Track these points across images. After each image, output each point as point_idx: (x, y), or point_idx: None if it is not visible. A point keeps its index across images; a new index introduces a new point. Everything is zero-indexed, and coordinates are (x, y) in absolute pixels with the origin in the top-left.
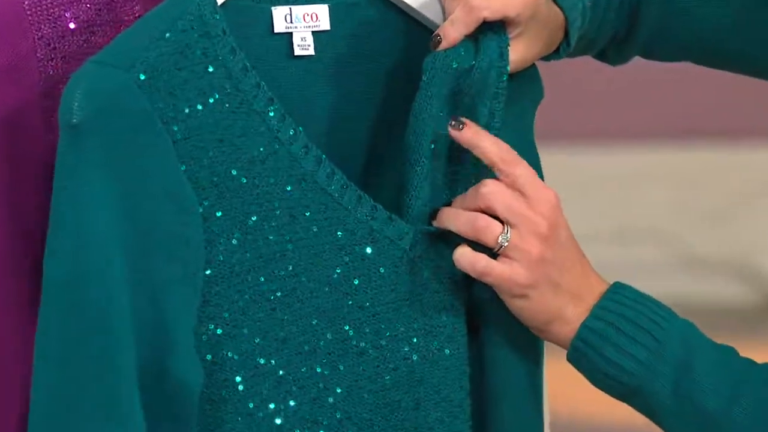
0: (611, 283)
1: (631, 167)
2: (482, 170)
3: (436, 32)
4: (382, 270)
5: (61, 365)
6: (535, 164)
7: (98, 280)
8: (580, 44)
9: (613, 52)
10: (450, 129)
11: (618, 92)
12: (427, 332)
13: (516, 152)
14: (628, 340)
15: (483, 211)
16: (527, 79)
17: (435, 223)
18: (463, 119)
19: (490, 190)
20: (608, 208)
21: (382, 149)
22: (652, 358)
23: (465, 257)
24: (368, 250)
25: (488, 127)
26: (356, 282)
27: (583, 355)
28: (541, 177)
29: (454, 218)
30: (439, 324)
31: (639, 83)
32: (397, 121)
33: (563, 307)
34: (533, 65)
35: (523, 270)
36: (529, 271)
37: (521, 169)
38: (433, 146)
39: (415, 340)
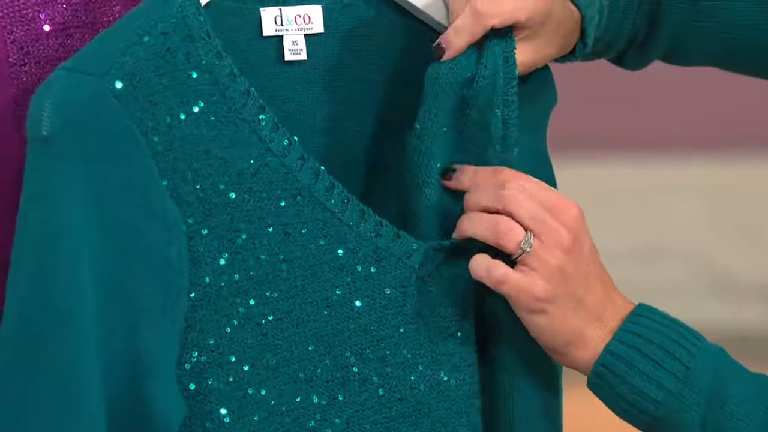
0: (636, 304)
1: (657, 179)
2: None
3: (438, 40)
4: (387, 291)
5: (18, 395)
6: (549, 176)
7: (63, 303)
8: (596, 46)
9: (631, 56)
10: (444, 182)
11: (643, 96)
12: (434, 360)
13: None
14: (654, 366)
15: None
16: (539, 82)
17: (454, 234)
18: (455, 165)
19: (512, 193)
20: (632, 224)
21: (384, 160)
22: (681, 386)
23: (481, 264)
24: (372, 269)
25: (505, 138)
26: (358, 304)
27: (606, 382)
28: (551, 169)
29: (476, 221)
30: (445, 352)
31: (668, 86)
32: (400, 129)
33: (584, 328)
34: (546, 67)
35: (543, 282)
36: (549, 284)
37: (536, 187)
38: (439, 165)
39: (420, 368)
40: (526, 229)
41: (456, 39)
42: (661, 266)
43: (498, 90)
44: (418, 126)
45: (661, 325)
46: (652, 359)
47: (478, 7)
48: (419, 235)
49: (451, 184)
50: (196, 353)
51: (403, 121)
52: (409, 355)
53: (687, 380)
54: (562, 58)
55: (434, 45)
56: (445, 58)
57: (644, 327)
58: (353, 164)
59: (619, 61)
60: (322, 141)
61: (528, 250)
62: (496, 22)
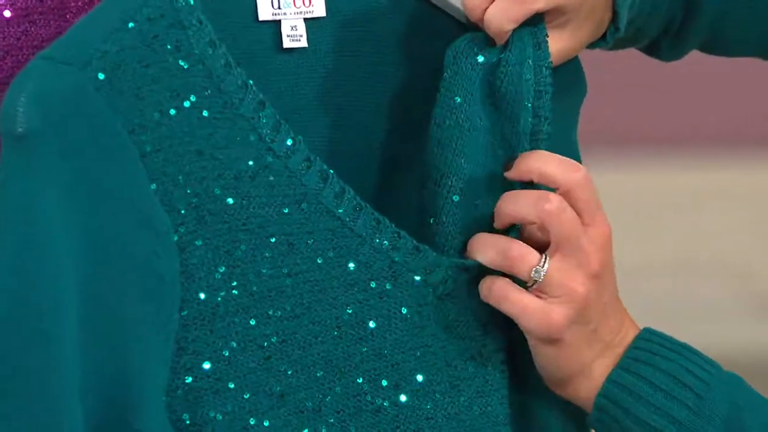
0: (641, 328)
1: (695, 185)
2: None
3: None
4: (404, 310)
5: None
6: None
7: (41, 323)
8: (628, 31)
9: (666, 44)
10: (506, 174)
11: (679, 90)
12: (453, 386)
13: (584, 170)
14: (664, 396)
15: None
16: (569, 72)
17: (466, 254)
18: (514, 155)
19: (555, 210)
20: (666, 234)
21: (401, 159)
22: (693, 417)
23: (493, 288)
24: (388, 286)
25: (535, 133)
26: (372, 325)
27: (609, 416)
28: None
29: (483, 247)
30: (465, 376)
31: (707, 78)
32: (416, 124)
33: (591, 361)
34: (575, 56)
35: (563, 309)
36: (570, 311)
37: (588, 194)
38: (463, 160)
39: (438, 395)
40: (549, 249)
41: (496, 23)
42: (697, 282)
43: (527, 79)
44: (437, 112)
45: (671, 351)
46: (660, 388)
47: None
48: (437, 241)
49: (513, 174)
50: (190, 379)
51: (420, 115)
52: (425, 382)
53: (700, 411)
54: (592, 45)
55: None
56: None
57: (651, 353)
58: (364, 165)
59: (653, 50)
60: (327, 139)
61: (540, 279)
62: (541, 5)
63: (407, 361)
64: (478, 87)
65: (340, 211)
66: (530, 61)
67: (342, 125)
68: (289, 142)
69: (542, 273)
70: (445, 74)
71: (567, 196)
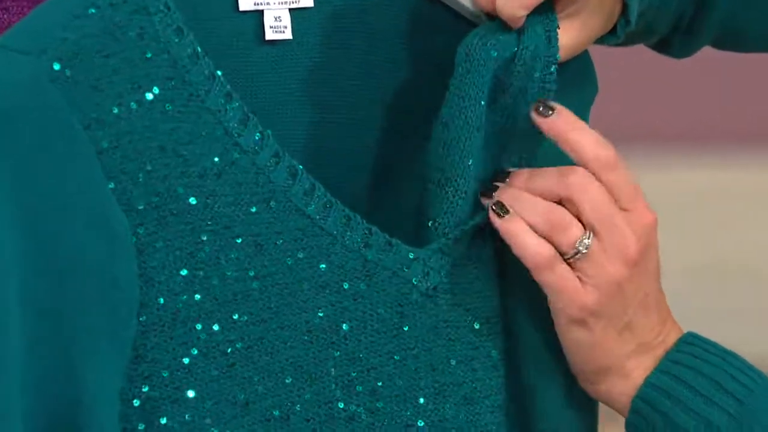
0: (684, 332)
1: (730, 183)
2: None
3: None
4: (380, 311)
5: None
6: None
7: None
8: (638, 25)
9: (677, 40)
10: (534, 114)
11: (708, 80)
12: (437, 391)
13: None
14: (704, 401)
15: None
16: (579, 68)
17: (495, 197)
18: (553, 104)
19: (581, 180)
20: (699, 237)
21: (393, 161)
22: (734, 425)
23: (528, 241)
24: (362, 286)
25: (536, 132)
26: (345, 327)
27: (646, 420)
28: None
29: (524, 201)
30: (452, 381)
31: (742, 66)
32: (408, 122)
33: (626, 357)
34: (585, 51)
35: (594, 291)
36: (601, 295)
37: (621, 176)
38: (471, 162)
39: (420, 401)
40: (586, 226)
41: (509, 10)
42: (730, 288)
43: (535, 76)
44: (445, 112)
45: (714, 356)
46: (701, 393)
47: None
48: (443, 244)
49: (544, 127)
50: (147, 387)
51: (415, 113)
52: (406, 387)
53: (741, 419)
54: (601, 39)
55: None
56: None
57: (693, 356)
58: (353, 164)
59: (665, 47)
60: (312, 136)
61: (584, 251)
62: None
63: (385, 365)
64: (487, 82)
65: (310, 208)
66: (542, 57)
67: (329, 122)
68: (257, 137)
69: (586, 246)
70: (457, 72)
71: (598, 175)
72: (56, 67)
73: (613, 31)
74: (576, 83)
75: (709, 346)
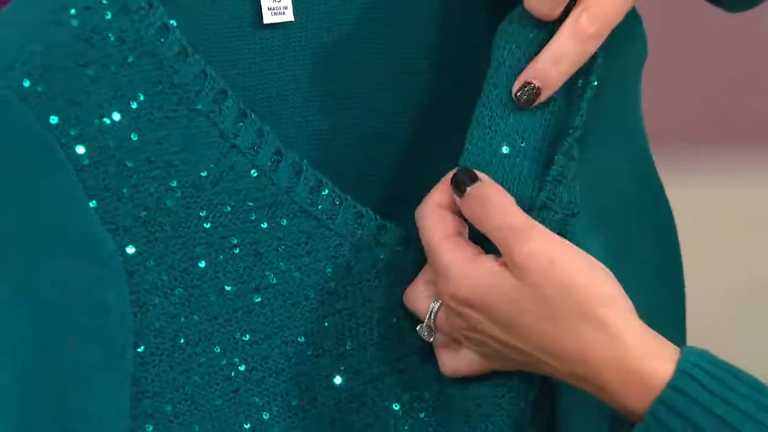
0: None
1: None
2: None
3: (526, 77)
4: (394, 320)
5: None
6: (641, 152)
7: None
8: None
9: None
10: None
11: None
12: (441, 404)
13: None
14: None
15: None
16: (624, 29)
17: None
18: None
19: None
20: (733, 253)
21: (409, 155)
22: None
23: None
24: (372, 289)
25: (584, 89)
26: (349, 345)
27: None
28: (656, 177)
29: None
30: (456, 395)
31: None
32: (430, 114)
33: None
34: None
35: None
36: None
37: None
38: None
39: (422, 415)
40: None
41: (556, 72)
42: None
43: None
44: (480, 112)
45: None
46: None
47: (584, 27)
48: None
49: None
50: (151, 427)
51: (433, 102)
52: (410, 400)
53: None
54: None
55: (521, 86)
56: (540, 101)
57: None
58: (365, 157)
59: None
60: (318, 129)
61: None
62: (603, 40)
63: (389, 374)
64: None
65: (317, 208)
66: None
67: (340, 113)
68: (255, 135)
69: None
70: (494, 62)
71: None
72: (26, 83)
73: None
74: (619, 44)
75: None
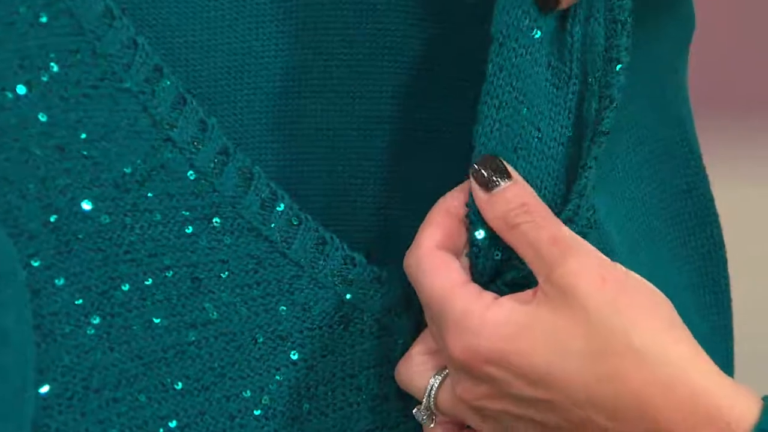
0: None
1: None
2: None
3: None
4: (363, 381)
5: None
6: (682, 137)
7: None
8: None
9: None
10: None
11: None
12: None
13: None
14: None
15: None
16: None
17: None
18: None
19: None
20: None
21: (403, 147)
22: None
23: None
24: (334, 338)
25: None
26: (306, 406)
27: None
28: (701, 169)
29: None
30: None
31: None
32: (428, 96)
33: None
34: None
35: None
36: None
37: None
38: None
39: None
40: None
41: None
42: None
43: (597, 44)
44: (490, 106)
45: None
46: None
47: None
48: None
49: None
50: None
51: (433, 82)
52: None
53: None
54: None
55: None
56: (561, 6)
57: None
58: (344, 156)
59: None
60: (282, 122)
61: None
62: None
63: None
64: (534, 66)
65: (270, 227)
66: (600, 17)
67: (310, 98)
68: (196, 127)
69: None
70: (493, 59)
71: None
72: None
73: None
74: (660, 14)
75: None
